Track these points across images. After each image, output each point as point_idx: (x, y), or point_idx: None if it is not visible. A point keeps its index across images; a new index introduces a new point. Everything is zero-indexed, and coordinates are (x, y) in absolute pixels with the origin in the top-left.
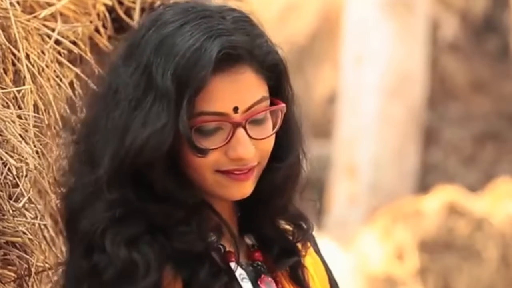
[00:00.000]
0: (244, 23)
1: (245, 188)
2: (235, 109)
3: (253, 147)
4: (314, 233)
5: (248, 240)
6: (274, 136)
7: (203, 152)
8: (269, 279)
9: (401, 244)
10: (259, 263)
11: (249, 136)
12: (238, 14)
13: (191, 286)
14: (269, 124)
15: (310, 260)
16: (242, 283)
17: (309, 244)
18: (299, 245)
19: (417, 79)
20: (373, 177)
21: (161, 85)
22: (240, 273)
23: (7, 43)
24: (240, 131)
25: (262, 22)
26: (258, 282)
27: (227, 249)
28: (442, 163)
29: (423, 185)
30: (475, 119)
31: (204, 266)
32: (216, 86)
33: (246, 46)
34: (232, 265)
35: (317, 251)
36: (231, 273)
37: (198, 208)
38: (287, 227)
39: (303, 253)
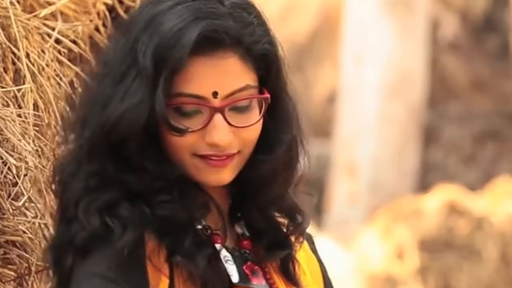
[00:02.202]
0: (241, 10)
1: (223, 175)
2: (215, 94)
3: (230, 134)
4: (313, 232)
5: (239, 229)
6: (259, 126)
7: (179, 130)
8: (256, 267)
9: (401, 243)
10: (247, 251)
11: (229, 123)
12: (239, 1)
13: (175, 254)
14: (254, 113)
15: (303, 255)
16: (226, 264)
17: (302, 239)
18: (292, 238)
19: (417, 78)
20: (373, 176)
21: (141, 62)
22: (225, 255)
23: (7, 42)
24: (218, 117)
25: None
26: (244, 267)
27: (213, 231)
28: (442, 162)
29: (423, 184)
30: (475, 118)
31: (188, 235)
32: (196, 69)
33: (232, 32)
34: (218, 246)
35: (314, 251)
36: (216, 252)
37: (180, 182)
38: (281, 220)
39: (296, 247)
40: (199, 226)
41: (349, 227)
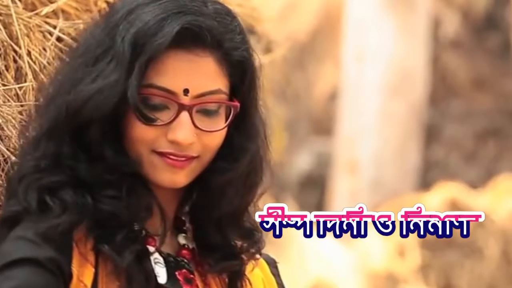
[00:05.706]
0: (226, 17)
1: (178, 177)
2: (185, 91)
3: (193, 135)
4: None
5: (182, 240)
6: (222, 133)
7: (149, 119)
8: (192, 276)
9: (403, 241)
10: (185, 259)
11: (194, 125)
12: (223, 8)
13: (103, 243)
14: (221, 120)
15: (260, 276)
16: (155, 266)
17: (256, 258)
18: (244, 257)
19: (418, 76)
20: (375, 174)
21: (119, 47)
22: (156, 257)
23: (8, 40)
24: (185, 115)
25: (263, 19)
26: (176, 273)
27: (149, 234)
28: (444, 160)
29: (425, 182)
30: (477, 116)
31: (122, 231)
32: (172, 62)
33: (215, 32)
34: (151, 248)
35: (276, 275)
36: (147, 252)
37: (131, 179)
38: (237, 239)
39: (252, 267)
40: (137, 227)
41: None
